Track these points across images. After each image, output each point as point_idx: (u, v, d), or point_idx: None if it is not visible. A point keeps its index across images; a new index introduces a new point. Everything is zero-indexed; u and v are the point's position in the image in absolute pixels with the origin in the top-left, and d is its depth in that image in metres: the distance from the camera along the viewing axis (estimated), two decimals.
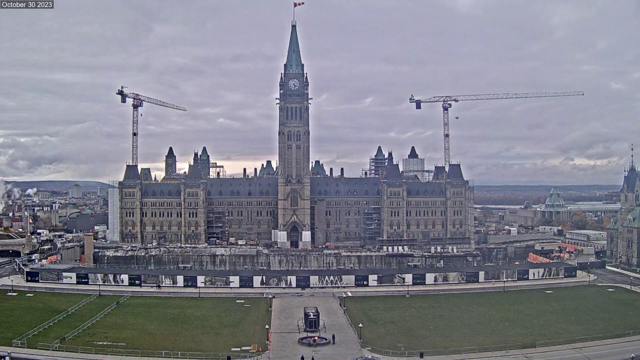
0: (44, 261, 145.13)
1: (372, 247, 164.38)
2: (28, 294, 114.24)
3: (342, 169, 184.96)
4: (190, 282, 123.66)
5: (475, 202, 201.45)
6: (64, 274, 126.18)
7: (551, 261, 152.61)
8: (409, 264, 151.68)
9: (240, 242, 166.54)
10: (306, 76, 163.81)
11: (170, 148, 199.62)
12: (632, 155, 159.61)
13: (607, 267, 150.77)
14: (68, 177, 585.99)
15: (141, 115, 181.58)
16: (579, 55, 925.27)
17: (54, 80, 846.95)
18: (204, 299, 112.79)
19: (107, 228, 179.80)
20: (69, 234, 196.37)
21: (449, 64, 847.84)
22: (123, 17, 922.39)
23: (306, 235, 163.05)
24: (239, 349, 76.97)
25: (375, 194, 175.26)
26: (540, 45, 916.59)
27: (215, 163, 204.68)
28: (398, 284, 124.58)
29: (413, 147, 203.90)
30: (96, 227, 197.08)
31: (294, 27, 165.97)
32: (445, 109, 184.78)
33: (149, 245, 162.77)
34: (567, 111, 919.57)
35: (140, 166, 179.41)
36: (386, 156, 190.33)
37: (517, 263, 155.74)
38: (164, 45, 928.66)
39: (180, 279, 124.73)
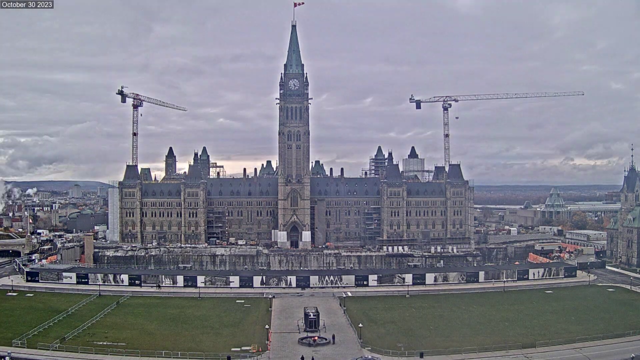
0: (44, 261, 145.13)
1: (372, 247, 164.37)
2: (28, 294, 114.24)
3: (342, 169, 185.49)
4: (190, 282, 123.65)
5: (475, 202, 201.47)
6: (64, 274, 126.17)
7: (551, 261, 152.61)
8: (409, 264, 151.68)
9: (240, 242, 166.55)
10: (306, 76, 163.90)
11: (170, 148, 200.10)
12: (632, 155, 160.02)
13: (607, 267, 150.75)
14: (68, 177, 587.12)
15: (141, 115, 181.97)
16: (579, 55, 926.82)
17: (54, 80, 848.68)
18: (204, 299, 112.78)
19: (107, 228, 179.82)
20: (69, 234, 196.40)
21: (449, 64, 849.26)
22: (123, 17, 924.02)
23: (306, 235, 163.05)
24: (239, 349, 76.97)
25: (375, 194, 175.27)
26: (540, 45, 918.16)
27: (215, 163, 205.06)
28: (398, 284, 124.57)
29: (413, 147, 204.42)
30: (96, 227, 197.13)
31: (294, 27, 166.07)
32: (445, 109, 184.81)
33: (149, 245, 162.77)
34: (567, 111, 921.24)
35: (140, 166, 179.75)
36: (386, 156, 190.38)
37: (517, 263, 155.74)
38: (164, 45, 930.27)
39: (180, 279, 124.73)
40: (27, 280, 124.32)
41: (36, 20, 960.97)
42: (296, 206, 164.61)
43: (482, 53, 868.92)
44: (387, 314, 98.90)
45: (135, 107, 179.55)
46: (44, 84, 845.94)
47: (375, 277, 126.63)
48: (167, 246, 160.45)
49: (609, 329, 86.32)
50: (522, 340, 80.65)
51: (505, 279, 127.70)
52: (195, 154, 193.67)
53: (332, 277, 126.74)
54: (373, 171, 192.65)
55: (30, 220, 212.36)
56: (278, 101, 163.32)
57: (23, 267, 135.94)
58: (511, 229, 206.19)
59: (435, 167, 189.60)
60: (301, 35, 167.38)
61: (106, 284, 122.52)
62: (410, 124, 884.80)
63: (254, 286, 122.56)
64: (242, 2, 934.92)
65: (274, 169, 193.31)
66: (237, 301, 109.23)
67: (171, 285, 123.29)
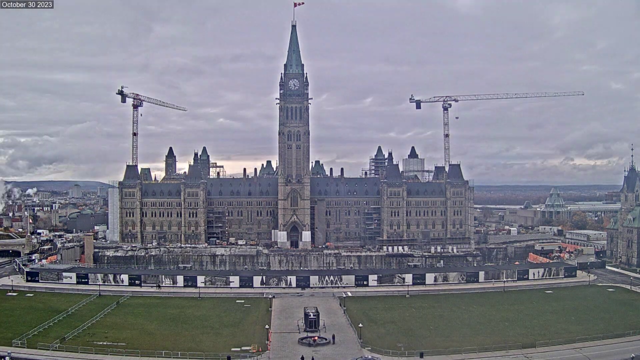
0: (44, 261, 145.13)
1: (372, 247, 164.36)
2: (28, 294, 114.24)
3: (342, 169, 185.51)
4: (190, 282, 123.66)
5: (475, 202, 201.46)
6: (64, 274, 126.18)
7: (551, 261, 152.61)
8: (409, 264, 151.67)
9: (240, 242, 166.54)
10: (306, 76, 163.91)
11: (170, 148, 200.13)
12: (632, 155, 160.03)
13: (607, 267, 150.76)
14: (68, 177, 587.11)
15: (141, 115, 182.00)
16: (579, 55, 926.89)
17: (54, 80, 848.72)
18: (204, 299, 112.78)
19: (107, 228, 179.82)
20: (69, 234, 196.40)
21: (449, 64, 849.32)
22: (123, 17, 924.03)
23: (306, 235, 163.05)
24: (239, 349, 76.98)
25: (375, 194, 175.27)
26: (540, 45, 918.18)
27: (215, 163, 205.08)
28: (398, 284, 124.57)
29: (413, 147, 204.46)
30: (96, 227, 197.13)
31: (294, 27, 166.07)
32: (445, 109, 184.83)
33: (149, 245, 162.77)
34: (567, 111, 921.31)
35: (140, 166, 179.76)
36: (386, 156, 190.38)
37: (517, 263, 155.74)
38: (164, 45, 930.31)
39: (180, 279, 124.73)
40: (27, 280, 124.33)
41: (36, 20, 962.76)
42: (296, 206, 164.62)
43: (482, 53, 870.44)
44: (387, 314, 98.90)
45: (135, 107, 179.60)
46: (44, 84, 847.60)
47: (375, 277, 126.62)
48: (167, 246, 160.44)
49: (609, 329, 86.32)
50: (522, 340, 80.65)
51: (505, 279, 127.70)
52: (195, 154, 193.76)
53: (332, 277, 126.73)
54: (373, 171, 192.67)
55: (30, 220, 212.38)
56: (278, 101, 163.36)
57: (23, 267, 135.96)
58: (511, 229, 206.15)
59: (435, 167, 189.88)
60: (301, 35, 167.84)
61: (106, 284, 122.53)
62: (410, 124, 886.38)
63: (254, 286, 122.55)
64: (242, 2, 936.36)
65: (274, 169, 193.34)
66: (237, 301, 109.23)
67: (171, 285, 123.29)
